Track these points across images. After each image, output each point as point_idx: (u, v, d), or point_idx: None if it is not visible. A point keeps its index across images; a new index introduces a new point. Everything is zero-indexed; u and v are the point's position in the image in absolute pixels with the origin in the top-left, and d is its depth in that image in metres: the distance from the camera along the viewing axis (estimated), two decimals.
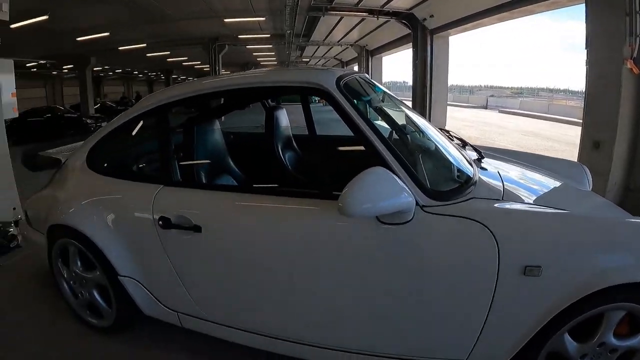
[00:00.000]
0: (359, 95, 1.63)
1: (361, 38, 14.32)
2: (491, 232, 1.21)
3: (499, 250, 1.20)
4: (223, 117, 2.60)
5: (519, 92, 41.92)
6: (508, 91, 43.52)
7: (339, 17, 10.07)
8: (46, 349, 1.92)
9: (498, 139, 10.79)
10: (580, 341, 1.28)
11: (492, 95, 30.98)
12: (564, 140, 10.75)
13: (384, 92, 2.19)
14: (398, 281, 1.33)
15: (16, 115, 4.39)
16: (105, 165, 1.99)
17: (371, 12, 9.02)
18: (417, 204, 1.26)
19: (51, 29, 9.53)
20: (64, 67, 16.48)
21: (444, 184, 1.45)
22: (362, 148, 1.37)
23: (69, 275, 2.04)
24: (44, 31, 9.58)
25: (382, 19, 9.43)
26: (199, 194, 1.67)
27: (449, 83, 11.16)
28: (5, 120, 3.83)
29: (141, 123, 1.98)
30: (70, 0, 7.57)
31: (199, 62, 19.29)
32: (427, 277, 1.30)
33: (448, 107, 10.59)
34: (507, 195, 1.44)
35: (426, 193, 1.29)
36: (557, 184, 1.91)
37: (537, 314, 1.22)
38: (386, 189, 1.18)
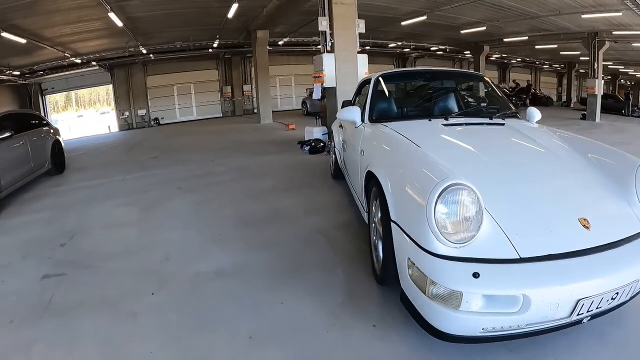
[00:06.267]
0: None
1: None
2: (364, 132, 2.85)
3: (362, 139, 2.80)
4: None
5: None
6: None
7: None
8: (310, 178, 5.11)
9: None
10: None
11: None
12: None
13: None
14: (353, 151, 3.10)
15: None
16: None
17: None
18: (363, 121, 3.01)
19: (436, 24, 12.87)
20: (465, 52, 20.98)
21: (383, 118, 2.92)
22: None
23: (332, 149, 4.95)
24: (433, 26, 13.26)
25: None
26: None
27: None
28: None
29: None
30: (441, 6, 10.52)
31: None
32: (357, 148, 2.90)
33: None
34: (395, 127, 2.55)
35: (369, 120, 2.97)
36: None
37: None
38: (350, 114, 3.03)
